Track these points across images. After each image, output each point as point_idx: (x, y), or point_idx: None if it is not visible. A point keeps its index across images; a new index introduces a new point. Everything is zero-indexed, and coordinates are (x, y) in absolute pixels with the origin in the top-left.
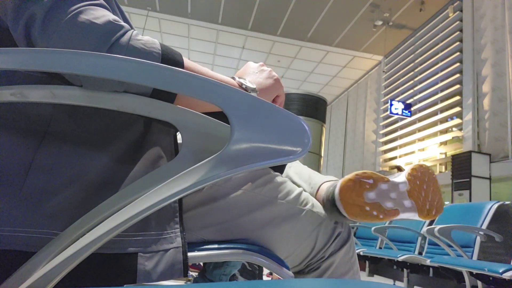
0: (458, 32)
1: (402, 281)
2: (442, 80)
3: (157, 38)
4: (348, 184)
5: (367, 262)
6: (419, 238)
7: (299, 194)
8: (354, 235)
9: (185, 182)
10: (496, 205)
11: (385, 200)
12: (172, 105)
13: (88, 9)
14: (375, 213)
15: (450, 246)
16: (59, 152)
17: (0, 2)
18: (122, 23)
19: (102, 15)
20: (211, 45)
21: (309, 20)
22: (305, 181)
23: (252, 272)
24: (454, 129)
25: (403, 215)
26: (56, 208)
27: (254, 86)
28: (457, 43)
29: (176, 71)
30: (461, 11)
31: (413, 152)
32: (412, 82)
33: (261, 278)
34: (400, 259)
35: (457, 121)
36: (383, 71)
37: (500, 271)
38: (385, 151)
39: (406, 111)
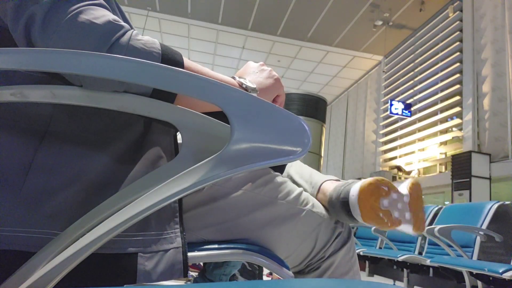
0: (458, 32)
1: (402, 281)
2: (442, 80)
3: (157, 38)
4: (370, 188)
5: (367, 262)
6: (419, 238)
7: (299, 194)
8: (354, 235)
9: (185, 182)
10: (496, 205)
11: (394, 209)
12: (172, 105)
13: (88, 9)
14: (386, 220)
15: (450, 246)
16: (59, 152)
17: (0, 2)
18: (122, 23)
19: (102, 15)
20: (211, 45)
21: (309, 20)
22: (306, 180)
23: (252, 272)
24: (454, 129)
25: (401, 227)
26: (56, 208)
27: (254, 86)
28: (457, 43)
29: (176, 71)
30: (461, 11)
31: (413, 152)
32: (412, 82)
33: (261, 278)
34: (400, 259)
35: (457, 121)
36: (383, 71)
37: (500, 271)
38: (385, 151)
39: (406, 111)
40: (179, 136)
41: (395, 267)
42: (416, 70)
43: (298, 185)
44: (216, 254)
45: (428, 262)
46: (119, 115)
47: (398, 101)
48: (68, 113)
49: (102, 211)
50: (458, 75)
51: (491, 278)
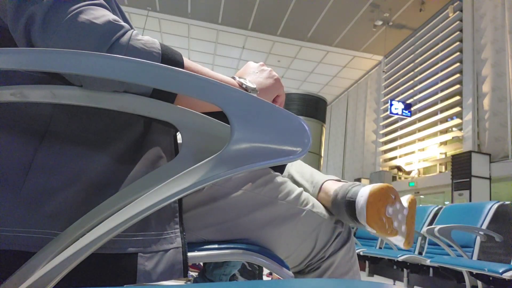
0: (458, 32)
1: (402, 281)
2: (442, 80)
3: (157, 38)
4: (381, 192)
5: (367, 262)
6: (419, 238)
7: (299, 194)
8: (354, 235)
9: (185, 182)
10: (496, 205)
11: (394, 219)
12: (172, 105)
13: (88, 9)
14: (387, 227)
15: (450, 246)
16: (59, 152)
17: (0, 2)
18: (122, 23)
19: (102, 15)
20: (211, 45)
21: (309, 20)
22: (307, 179)
23: (252, 272)
24: (454, 129)
25: (395, 238)
26: (56, 208)
27: (254, 86)
28: (457, 43)
29: (176, 71)
30: (461, 11)
31: (413, 152)
32: (412, 82)
33: (261, 278)
34: (400, 259)
35: (457, 121)
36: (383, 71)
37: (500, 271)
38: (385, 151)
39: (406, 111)
40: (179, 136)
41: (395, 267)
42: (416, 70)
43: (299, 184)
44: (216, 254)
45: (428, 262)
46: (119, 115)
47: (398, 101)
48: (68, 113)
49: (102, 211)
50: (458, 75)
51: (491, 278)
